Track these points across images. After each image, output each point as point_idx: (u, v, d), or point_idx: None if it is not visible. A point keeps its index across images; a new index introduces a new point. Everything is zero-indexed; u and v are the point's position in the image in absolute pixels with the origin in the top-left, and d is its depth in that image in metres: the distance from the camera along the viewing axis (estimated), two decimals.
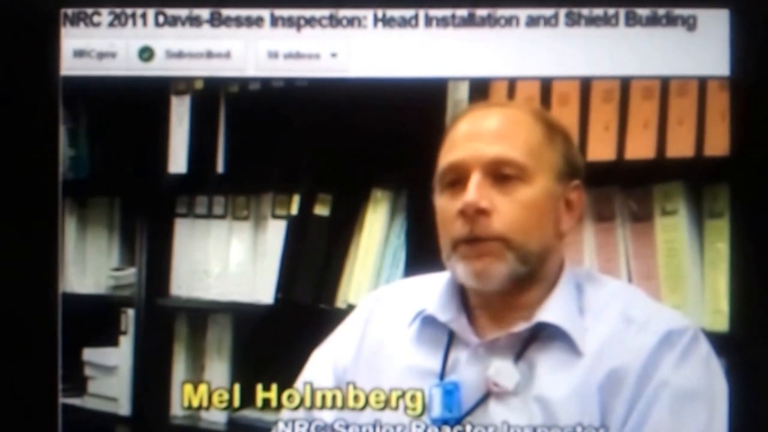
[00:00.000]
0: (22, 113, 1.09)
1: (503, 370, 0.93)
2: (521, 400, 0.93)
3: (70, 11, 1.10)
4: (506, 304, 0.95)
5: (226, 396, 1.10)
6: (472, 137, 0.96)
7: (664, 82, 1.19)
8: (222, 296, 1.49)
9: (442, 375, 0.96)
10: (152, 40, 1.10)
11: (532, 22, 1.08)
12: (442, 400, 0.95)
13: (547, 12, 1.08)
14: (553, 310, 0.94)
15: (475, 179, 0.93)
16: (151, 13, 1.10)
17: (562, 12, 1.08)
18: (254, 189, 1.49)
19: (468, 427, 0.95)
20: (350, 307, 1.29)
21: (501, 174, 0.93)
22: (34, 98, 1.09)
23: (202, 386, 1.10)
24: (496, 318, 0.96)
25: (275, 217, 1.47)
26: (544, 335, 0.94)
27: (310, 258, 1.42)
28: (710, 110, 1.16)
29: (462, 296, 0.98)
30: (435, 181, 0.98)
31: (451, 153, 0.96)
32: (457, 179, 0.95)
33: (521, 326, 0.94)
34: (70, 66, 1.10)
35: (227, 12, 1.10)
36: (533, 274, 0.95)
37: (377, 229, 1.37)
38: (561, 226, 0.97)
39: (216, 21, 1.10)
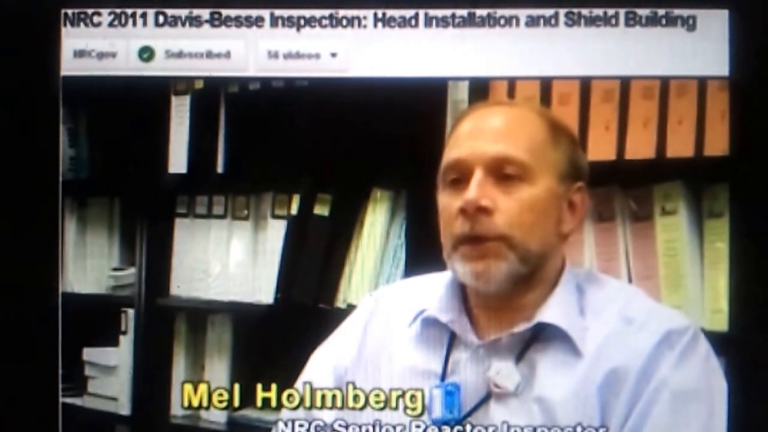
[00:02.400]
0: (23, 113, 1.10)
1: (504, 371, 0.93)
2: (522, 400, 0.93)
3: (70, 11, 1.10)
4: (507, 305, 0.95)
5: (226, 396, 1.10)
6: (475, 135, 0.95)
7: (664, 82, 1.19)
8: (222, 296, 1.49)
9: (443, 376, 0.96)
10: (152, 40, 1.11)
11: (532, 22, 1.08)
12: (443, 401, 0.95)
13: (547, 12, 1.08)
14: (553, 311, 0.94)
15: (477, 177, 0.93)
16: (151, 13, 1.10)
17: (562, 12, 1.08)
18: (254, 189, 1.49)
19: (468, 428, 0.95)
20: (350, 307, 1.29)
21: (503, 173, 0.93)
22: (35, 98, 1.09)
23: (202, 386, 1.10)
24: (497, 319, 0.96)
25: (275, 217, 1.47)
26: (544, 336, 0.94)
27: (310, 258, 1.42)
28: (710, 110, 1.16)
29: (463, 297, 0.98)
30: (438, 179, 0.98)
31: (453, 151, 0.96)
32: (459, 177, 0.94)
33: (522, 326, 0.94)
34: (70, 66, 1.10)
35: (227, 12, 1.10)
36: (534, 274, 0.95)
37: (377, 229, 1.37)
38: (563, 228, 0.96)
39: (216, 21, 1.10)
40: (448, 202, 0.95)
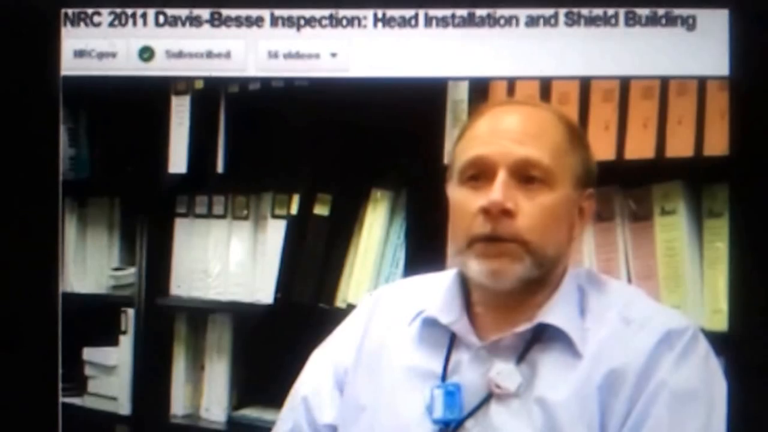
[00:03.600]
0: (23, 113, 1.10)
1: (505, 372, 0.93)
2: (522, 401, 0.92)
3: (70, 11, 1.10)
4: (510, 306, 0.94)
5: (226, 395, 1.10)
6: (499, 133, 0.94)
7: (664, 82, 1.19)
8: (222, 296, 1.50)
9: (443, 376, 0.96)
10: (152, 40, 1.11)
11: (532, 21, 1.08)
12: (444, 402, 0.94)
13: (547, 12, 1.08)
14: (554, 312, 0.93)
15: (502, 178, 0.91)
16: (151, 13, 1.10)
17: (562, 12, 1.08)
18: (254, 189, 1.50)
19: (469, 428, 0.95)
20: (350, 307, 1.29)
21: (527, 175, 0.92)
22: (35, 98, 1.10)
23: (202, 385, 1.10)
24: (498, 319, 0.95)
25: (275, 216, 1.47)
26: (545, 337, 0.94)
27: (309, 258, 1.43)
28: (709, 110, 1.17)
29: (464, 297, 0.98)
30: (452, 173, 0.96)
31: (476, 147, 0.94)
32: (481, 174, 0.93)
33: (523, 327, 0.93)
34: (70, 66, 1.10)
35: (227, 12, 1.10)
36: (543, 278, 0.94)
37: (377, 229, 1.37)
38: (573, 233, 0.96)
39: (216, 21, 1.10)
40: (465, 198, 0.93)
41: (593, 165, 0.99)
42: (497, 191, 0.91)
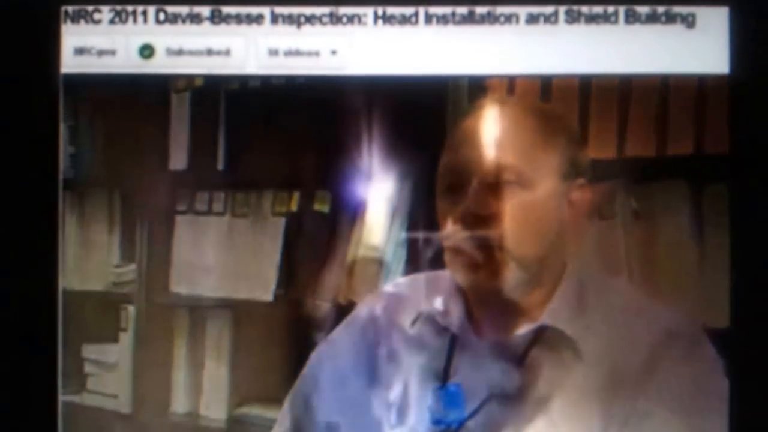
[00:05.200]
0: (23, 111, 1.09)
1: (506, 373, 0.93)
2: (523, 402, 0.93)
3: (70, 8, 1.10)
4: (508, 307, 0.95)
5: (226, 393, 1.10)
6: (470, 141, 0.95)
7: (664, 80, 1.19)
8: (222, 293, 1.49)
9: (444, 377, 0.96)
10: (153, 38, 1.10)
11: (532, 19, 1.08)
12: (445, 402, 0.95)
13: (547, 9, 1.08)
14: (555, 312, 0.94)
15: (474, 187, 0.92)
16: (151, 10, 1.10)
17: (562, 9, 1.08)
18: (254, 186, 1.49)
19: (470, 429, 0.95)
20: (350, 305, 1.29)
21: (500, 180, 0.93)
22: (35, 96, 1.09)
23: (202, 383, 1.10)
24: (499, 320, 0.96)
25: (275, 214, 1.47)
26: (546, 336, 0.94)
27: (310, 255, 1.43)
28: (710, 108, 1.17)
29: (464, 297, 0.98)
30: (436, 181, 0.97)
31: (449, 156, 0.96)
32: (456, 183, 0.94)
33: (524, 329, 0.94)
34: (70, 64, 1.10)
35: (228, 9, 1.10)
36: (535, 276, 0.95)
37: (377, 227, 1.37)
38: (564, 227, 0.96)
39: (216, 18, 1.10)
40: (444, 208, 0.95)
41: (581, 156, 0.99)
42: (469, 200, 0.92)
